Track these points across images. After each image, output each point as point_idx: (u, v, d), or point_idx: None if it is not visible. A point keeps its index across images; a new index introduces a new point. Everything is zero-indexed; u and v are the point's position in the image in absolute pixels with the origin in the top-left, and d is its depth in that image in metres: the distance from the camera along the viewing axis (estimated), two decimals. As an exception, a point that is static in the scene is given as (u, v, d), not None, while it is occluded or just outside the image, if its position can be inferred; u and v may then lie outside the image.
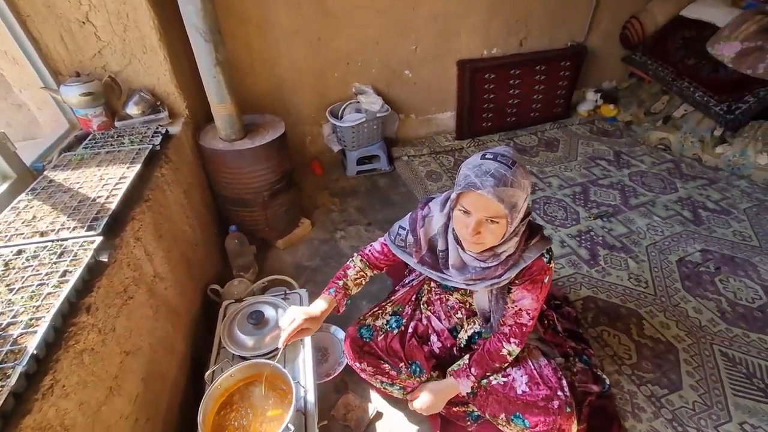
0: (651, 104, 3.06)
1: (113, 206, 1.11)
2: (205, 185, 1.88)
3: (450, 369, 1.22)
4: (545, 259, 1.04)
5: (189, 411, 1.20)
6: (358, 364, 1.29)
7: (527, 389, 1.14)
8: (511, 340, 1.11)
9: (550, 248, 1.06)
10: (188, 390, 1.32)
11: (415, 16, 2.53)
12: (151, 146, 1.43)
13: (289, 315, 1.13)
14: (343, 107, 2.56)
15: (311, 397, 1.19)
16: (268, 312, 1.36)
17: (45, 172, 1.27)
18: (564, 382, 1.16)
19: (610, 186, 2.48)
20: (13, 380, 0.67)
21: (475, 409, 1.25)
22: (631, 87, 3.29)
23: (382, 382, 1.30)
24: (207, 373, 1.15)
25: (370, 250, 1.26)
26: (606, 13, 3.02)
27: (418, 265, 1.17)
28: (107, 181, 1.21)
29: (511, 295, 1.10)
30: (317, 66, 2.47)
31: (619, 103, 3.25)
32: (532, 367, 1.18)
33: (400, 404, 1.37)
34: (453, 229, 1.06)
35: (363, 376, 1.32)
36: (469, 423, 1.29)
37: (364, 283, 1.27)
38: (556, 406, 1.09)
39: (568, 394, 1.12)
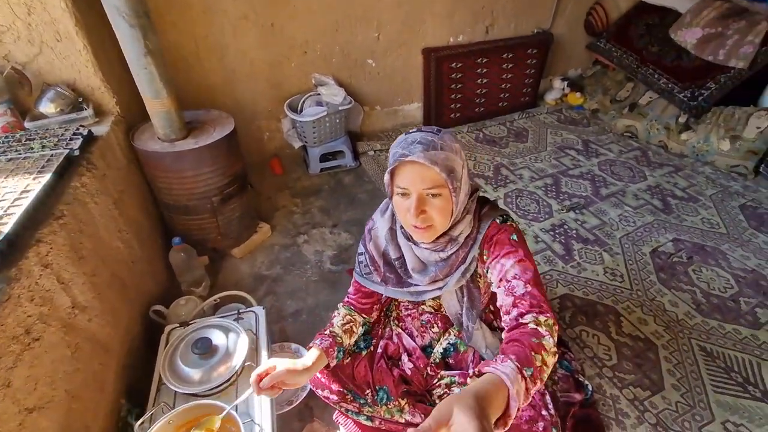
0: (616, 92, 3.04)
1: (8, 228, 0.90)
2: (144, 192, 1.67)
3: (473, 371, 0.74)
4: (498, 221, 0.93)
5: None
6: (321, 392, 1.15)
7: (510, 407, 1.03)
8: (529, 315, 0.79)
9: (506, 213, 0.96)
10: (124, 436, 1.14)
11: (377, 1, 2.36)
12: (67, 151, 1.22)
13: (270, 362, 0.94)
14: (302, 100, 2.37)
15: (268, 435, 1.03)
16: (217, 338, 1.19)
17: (-75, 188, 1.04)
18: (548, 399, 1.05)
19: (580, 176, 2.44)
20: None
21: (454, 432, 1.13)
22: (596, 75, 3.27)
23: (347, 410, 1.16)
24: (138, 423, 0.97)
25: (348, 295, 1.14)
26: (571, -1, 2.96)
27: (386, 289, 1.03)
28: (3, 197, 1.00)
29: (493, 279, 0.92)
30: (271, 55, 2.26)
31: (585, 91, 3.23)
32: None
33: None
34: (401, 228, 0.97)
35: (326, 400, 1.18)
36: (447, 447, 1.18)
37: (355, 330, 1.11)
38: (541, 429, 0.99)
39: (553, 413, 1.02)
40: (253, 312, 1.37)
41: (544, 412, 1.01)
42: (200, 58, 2.10)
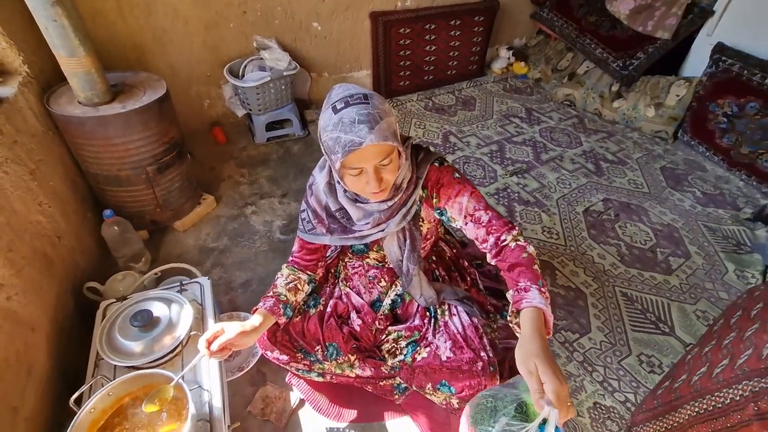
0: (557, 61, 3.16)
1: None
2: (67, 163, 1.53)
3: (506, 317, 0.90)
4: (437, 164, 0.97)
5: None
6: (269, 353, 1.15)
7: (451, 354, 1.10)
8: (502, 236, 0.92)
9: (440, 156, 1.00)
10: (59, 418, 1.08)
11: (318, -43, 2.25)
12: (-36, 113, 1.08)
13: (218, 326, 0.94)
14: (244, 65, 2.24)
15: (217, 402, 1.03)
16: (158, 310, 1.15)
17: None
18: (486, 342, 1.13)
19: (523, 143, 2.54)
20: None
21: (402, 382, 1.20)
22: (539, 44, 3.36)
23: (298, 369, 1.19)
24: (73, 397, 0.93)
25: (292, 254, 1.13)
26: (515, -35, 2.99)
27: (331, 239, 1.05)
28: None
29: (454, 216, 0.98)
30: (206, 14, 2.10)
31: (529, 61, 3.32)
32: (455, 330, 1.14)
33: (322, 390, 1.28)
34: (344, 191, 0.97)
35: (277, 362, 1.19)
36: (396, 396, 1.24)
37: (301, 288, 1.12)
38: (479, 368, 1.06)
39: (491, 354, 1.11)
40: (198, 283, 1.33)
41: (482, 354, 1.09)
42: (123, 14, 1.90)
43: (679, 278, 1.73)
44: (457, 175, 0.96)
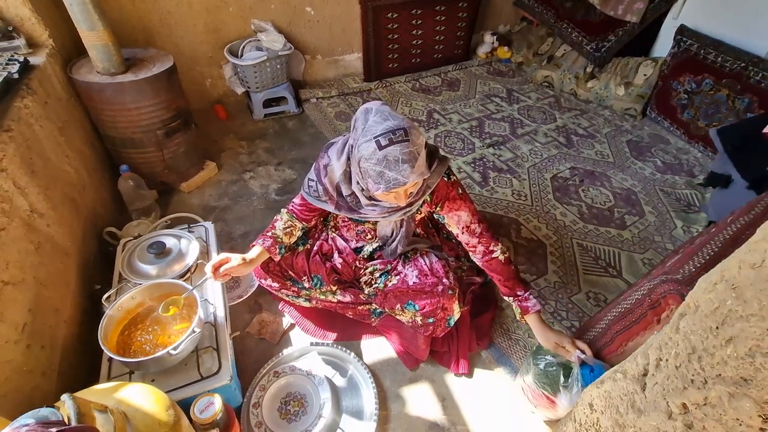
0: (539, 46, 3.35)
1: (-37, 132, 1.00)
2: (87, 127, 1.73)
3: (518, 317, 1.24)
4: (446, 179, 1.15)
5: (92, 343, 1.19)
6: (264, 281, 1.37)
7: (417, 280, 1.31)
8: (491, 248, 1.21)
9: (448, 169, 1.17)
10: (89, 324, 1.30)
11: (310, -54, 2.43)
12: (6, 74, 1.28)
13: (223, 255, 1.14)
14: (242, 45, 2.44)
15: (220, 312, 1.24)
16: (170, 242, 1.36)
17: None
18: (450, 272, 1.34)
19: (501, 119, 2.74)
20: None
21: (378, 307, 1.41)
22: (522, 30, 3.55)
23: (287, 295, 1.40)
24: (105, 296, 1.15)
25: (292, 205, 1.28)
26: (498, -46, 3.16)
27: (336, 211, 1.20)
28: (-48, 108, 1.08)
29: (451, 224, 1.22)
30: (208, -2, 2.30)
31: (513, 46, 3.51)
32: (423, 263, 1.35)
33: (309, 315, 1.49)
34: (358, 182, 1.09)
35: (272, 292, 1.41)
36: (373, 319, 1.45)
37: (295, 233, 1.29)
38: (440, 290, 1.27)
39: (452, 281, 1.31)
40: (203, 226, 1.54)
41: (444, 280, 1.30)
42: (133, -3, 2.10)
43: (631, 232, 1.93)
44: (460, 191, 1.16)
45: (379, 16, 2.82)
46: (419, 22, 2.99)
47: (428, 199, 1.18)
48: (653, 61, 2.68)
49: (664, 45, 2.75)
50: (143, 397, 0.77)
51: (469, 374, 1.37)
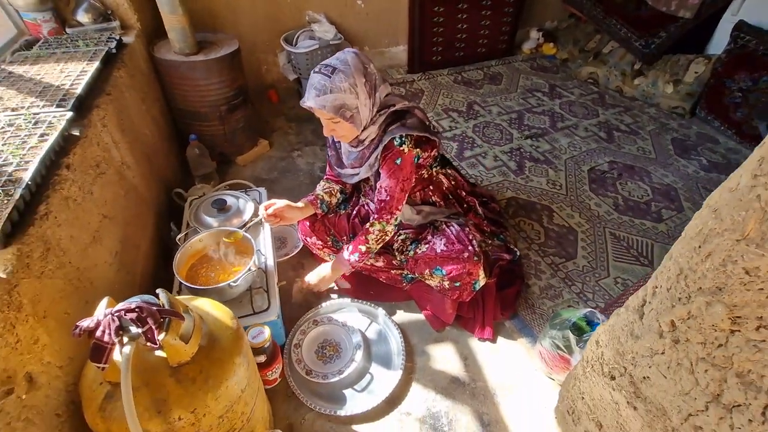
0: (586, 43, 3.32)
1: (78, 91, 1.22)
2: (160, 99, 1.97)
3: (502, 239, 1.54)
4: (396, 142, 1.25)
5: (162, 279, 1.40)
6: (309, 239, 1.52)
7: (444, 248, 1.41)
8: (375, 217, 1.33)
9: (409, 135, 1.26)
10: (160, 264, 1.51)
11: (365, -58, 2.58)
12: (107, 48, 1.51)
13: (273, 199, 1.37)
14: (297, 35, 2.63)
15: (270, 262, 1.41)
16: (230, 200, 1.54)
17: (2, 66, 1.34)
18: (474, 242, 1.44)
19: (542, 113, 2.77)
20: (16, 195, 0.83)
21: (409, 273, 1.52)
22: (569, 27, 3.53)
23: (328, 255, 1.55)
24: (179, 236, 1.34)
25: (326, 173, 1.53)
26: (548, -50, 3.18)
27: (334, 168, 1.46)
28: (68, 74, 1.31)
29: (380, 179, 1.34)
30: (269, -10, 2.50)
31: (558, 42, 3.50)
32: (450, 233, 1.46)
33: (347, 277, 1.62)
34: None
35: (314, 250, 1.56)
36: (404, 284, 1.57)
37: (334, 194, 1.52)
38: (465, 256, 1.37)
39: (477, 248, 1.41)
40: (257, 191, 1.72)
41: (470, 247, 1.40)
42: (205, -12, 2.33)
43: (667, 226, 1.93)
44: (398, 160, 1.26)
45: (425, 10, 2.92)
46: (464, 16, 3.06)
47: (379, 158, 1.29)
48: (706, 58, 2.61)
49: (719, 42, 2.67)
50: (213, 308, 0.93)
51: (493, 340, 1.45)
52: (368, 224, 1.35)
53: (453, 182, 1.58)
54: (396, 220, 1.34)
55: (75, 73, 1.31)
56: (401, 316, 1.53)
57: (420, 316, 1.52)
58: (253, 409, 0.96)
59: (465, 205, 1.64)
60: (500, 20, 3.21)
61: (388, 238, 1.37)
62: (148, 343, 0.72)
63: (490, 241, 1.67)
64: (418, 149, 1.29)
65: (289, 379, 1.29)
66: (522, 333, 1.48)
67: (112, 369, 0.73)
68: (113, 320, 0.70)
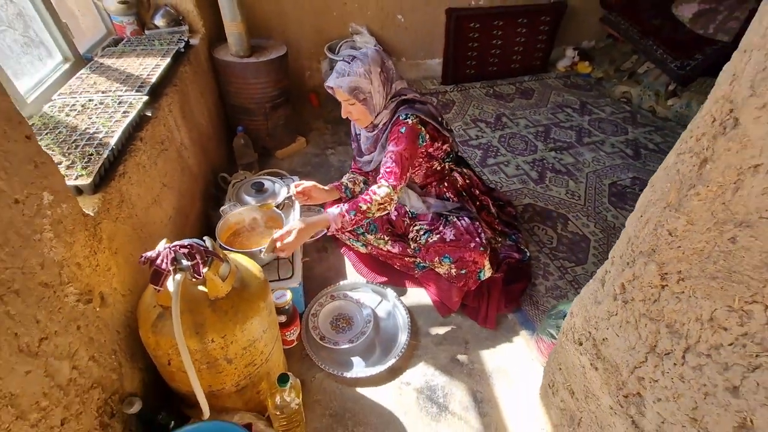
0: (621, 62, 3.35)
1: (153, 80, 1.46)
2: (216, 93, 2.23)
3: (514, 239, 1.69)
4: (402, 117, 1.39)
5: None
6: (349, 227, 1.68)
7: (453, 238, 1.53)
8: (380, 180, 1.38)
9: (416, 114, 1.39)
10: (203, 234, 1.71)
11: (408, -38, 2.79)
12: (176, 48, 1.77)
13: (305, 181, 1.56)
14: (339, 45, 2.86)
15: (297, 239, 1.58)
16: (267, 184, 1.75)
17: (95, 58, 1.62)
18: (483, 235, 1.55)
19: (569, 128, 2.83)
20: (104, 155, 1.05)
21: (421, 261, 1.65)
22: (607, 47, 3.57)
23: (349, 238, 1.71)
24: (222, 207, 1.55)
25: (351, 166, 1.73)
26: (587, -28, 3.26)
27: (356, 159, 1.64)
28: (145, 66, 1.56)
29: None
30: (318, 4, 2.75)
31: (594, 61, 3.54)
32: (460, 225, 1.57)
33: (365, 261, 1.77)
34: None
35: (336, 234, 1.72)
36: (416, 272, 1.70)
37: (357, 183, 1.69)
38: (472, 246, 1.49)
39: (484, 241, 1.52)
40: (291, 179, 1.92)
41: (477, 238, 1.51)
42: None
43: (684, 242, 1.94)
44: (403, 129, 1.39)
45: (461, 26, 3.08)
46: (500, 33, 3.20)
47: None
48: (743, 81, 2.59)
49: (759, 66, 2.64)
50: (246, 262, 1.10)
51: (494, 329, 1.55)
52: (376, 185, 1.37)
53: (468, 181, 1.70)
54: (401, 189, 1.38)
55: (151, 66, 1.56)
56: (410, 300, 1.65)
57: (428, 302, 1.64)
58: (270, 353, 1.12)
59: (478, 203, 1.76)
60: (535, 38, 3.31)
61: (390, 208, 1.38)
62: (194, 276, 0.90)
63: (500, 239, 1.77)
64: (423, 128, 1.41)
65: (304, 342, 1.45)
66: (523, 326, 1.56)
67: (164, 295, 0.91)
68: (170, 252, 0.88)
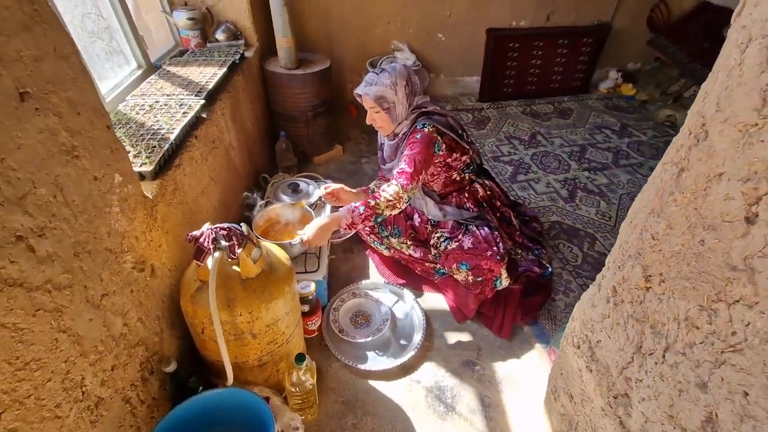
0: (668, 86, 3.27)
1: (210, 87, 1.65)
2: (263, 101, 2.43)
3: (537, 254, 1.76)
4: (419, 125, 1.48)
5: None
6: (360, 225, 1.79)
7: (471, 246, 1.58)
8: (392, 180, 1.46)
9: (434, 124, 1.48)
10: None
11: (451, -16, 2.91)
12: (233, 59, 1.97)
13: (335, 184, 1.68)
14: (381, 60, 3.01)
15: (325, 237, 1.70)
16: (302, 185, 1.89)
17: (164, 66, 1.84)
18: (501, 245, 1.59)
19: (606, 149, 2.79)
20: (165, 148, 1.22)
21: (441, 268, 1.71)
22: (653, 69, 3.49)
23: (374, 241, 1.80)
24: (261, 203, 1.70)
25: (378, 174, 1.84)
26: (634, -6, 3.24)
27: (380, 167, 1.75)
28: (205, 74, 1.76)
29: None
30: (362, 22, 2.93)
31: (639, 84, 3.48)
32: (479, 234, 1.62)
33: (387, 263, 1.85)
34: None
35: (363, 236, 1.82)
36: (436, 277, 1.76)
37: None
38: (489, 254, 1.53)
39: (501, 249, 1.56)
40: (325, 182, 2.05)
41: (494, 247, 1.56)
42: (310, 18, 2.82)
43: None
44: (418, 136, 1.48)
45: (501, 45, 3.15)
46: (539, 53, 3.23)
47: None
48: (799, 109, 2.46)
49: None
50: (276, 250, 1.23)
51: (509, 339, 1.57)
52: (386, 184, 1.45)
53: (489, 192, 1.75)
54: (412, 191, 1.44)
55: (209, 75, 1.76)
56: (428, 303, 1.71)
57: (445, 307, 1.69)
58: (291, 335, 1.23)
59: (498, 215, 1.80)
60: (576, 59, 3.31)
61: (400, 206, 1.44)
62: (230, 256, 1.02)
63: (521, 252, 1.80)
64: (439, 137, 1.49)
65: (324, 333, 1.54)
66: (538, 339, 1.57)
67: (203, 270, 1.05)
68: (211, 233, 1.02)
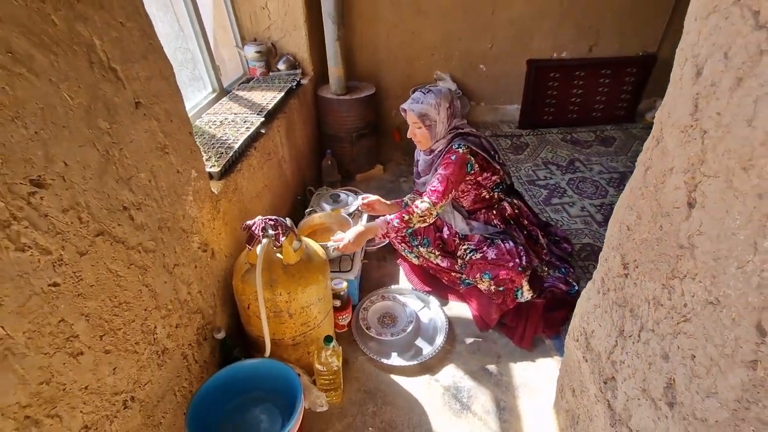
0: (720, 115, 3.18)
1: (270, 107, 1.93)
2: (314, 122, 2.71)
3: (564, 272, 1.82)
4: (454, 146, 1.59)
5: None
6: (393, 234, 1.94)
7: (494, 257, 1.67)
8: (425, 196, 1.60)
9: (468, 145, 1.59)
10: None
11: (493, 18, 3.10)
12: (290, 86, 2.26)
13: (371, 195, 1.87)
14: (423, 88, 3.23)
15: (360, 243, 1.86)
16: (342, 196, 2.09)
17: (233, 91, 2.16)
18: (524, 257, 1.66)
19: (648, 177, 2.76)
20: (230, 155, 1.46)
21: (467, 278, 1.80)
22: (704, 99, 3.41)
23: (404, 249, 1.93)
24: (307, 210, 1.91)
25: (413, 189, 2.00)
26: (682, 24, 3.23)
27: (415, 182, 1.89)
28: (266, 98, 2.05)
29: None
30: (408, 53, 3.18)
31: (688, 113, 3.40)
32: (503, 246, 1.70)
33: (416, 271, 1.97)
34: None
35: (395, 243, 1.97)
36: (461, 287, 1.85)
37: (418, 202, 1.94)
38: (511, 266, 1.61)
39: (524, 262, 1.63)
40: (363, 194, 2.24)
41: (517, 259, 1.63)
42: (362, 51, 3.12)
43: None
44: (453, 156, 1.60)
45: (541, 75, 3.26)
46: (581, 82, 3.29)
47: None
48: None
49: None
50: (314, 245, 1.40)
51: (529, 349, 1.61)
52: (419, 200, 1.61)
53: (516, 211, 1.84)
54: (441, 207, 1.60)
55: (270, 98, 2.04)
56: (452, 311, 1.80)
57: (468, 316, 1.77)
58: (322, 321, 1.38)
59: (525, 233, 1.87)
60: (620, 88, 3.33)
61: (429, 221, 1.61)
62: (275, 244, 1.21)
63: (547, 269, 1.84)
64: (472, 157, 1.61)
65: (353, 329, 1.68)
66: (559, 352, 1.60)
67: (253, 254, 1.24)
68: (261, 223, 1.22)
